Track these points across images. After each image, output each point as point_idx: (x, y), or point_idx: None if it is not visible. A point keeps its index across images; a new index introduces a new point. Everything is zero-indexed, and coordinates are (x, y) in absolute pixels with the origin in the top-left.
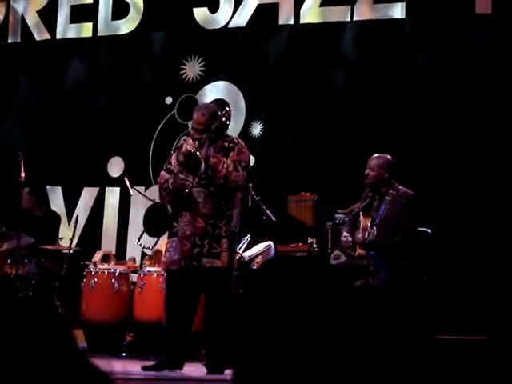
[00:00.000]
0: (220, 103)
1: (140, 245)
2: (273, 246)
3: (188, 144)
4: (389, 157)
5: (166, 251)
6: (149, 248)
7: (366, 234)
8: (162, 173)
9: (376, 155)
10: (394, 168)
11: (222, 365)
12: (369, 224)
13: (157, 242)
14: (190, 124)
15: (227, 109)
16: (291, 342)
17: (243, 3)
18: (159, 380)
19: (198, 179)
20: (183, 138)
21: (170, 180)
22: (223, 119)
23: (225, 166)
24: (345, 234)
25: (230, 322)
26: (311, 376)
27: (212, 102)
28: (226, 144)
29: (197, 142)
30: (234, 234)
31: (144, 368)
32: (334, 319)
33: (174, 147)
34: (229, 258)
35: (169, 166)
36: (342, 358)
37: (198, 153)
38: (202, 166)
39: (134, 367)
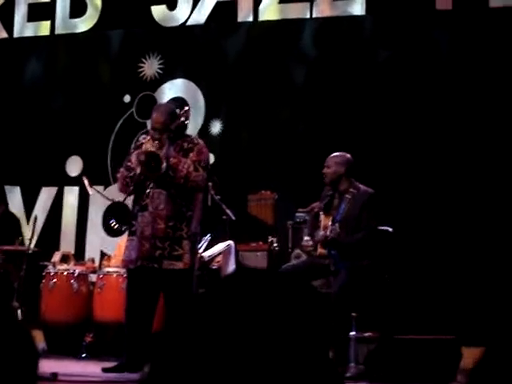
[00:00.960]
0: (179, 102)
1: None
2: (233, 245)
3: (148, 143)
4: (347, 155)
5: (125, 249)
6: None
7: (328, 231)
8: (122, 169)
9: (335, 153)
10: (352, 166)
11: None
12: (329, 223)
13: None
14: (148, 123)
15: (186, 108)
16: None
17: (201, 0)
18: (119, 382)
19: (157, 181)
20: (142, 136)
21: (128, 176)
22: (182, 119)
23: (185, 166)
24: (306, 238)
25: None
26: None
27: (171, 100)
28: (186, 144)
29: (157, 142)
30: (195, 235)
31: (104, 370)
32: (289, 337)
33: (133, 145)
34: (190, 260)
35: (128, 163)
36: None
37: (158, 152)
38: (164, 165)
39: (93, 368)
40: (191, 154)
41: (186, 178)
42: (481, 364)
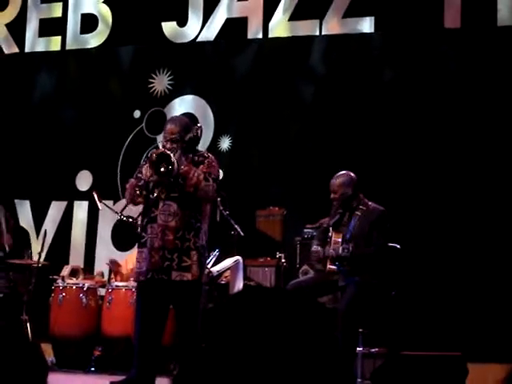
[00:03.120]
0: (191, 117)
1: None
2: (241, 260)
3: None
4: (350, 174)
5: (136, 261)
6: (132, 220)
7: (340, 249)
8: (132, 180)
9: (337, 175)
10: (358, 183)
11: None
12: (340, 239)
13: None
14: (158, 138)
15: (199, 125)
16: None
17: (212, 17)
18: None
19: (167, 192)
20: (153, 150)
21: (138, 184)
22: (195, 133)
23: (196, 174)
24: (315, 246)
25: (200, 336)
26: None
27: (182, 115)
28: (196, 158)
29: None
30: (203, 247)
31: None
32: (294, 353)
33: (144, 159)
34: (198, 271)
35: (139, 175)
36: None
37: (171, 154)
38: (175, 166)
39: (102, 382)
40: (201, 166)
41: (195, 186)
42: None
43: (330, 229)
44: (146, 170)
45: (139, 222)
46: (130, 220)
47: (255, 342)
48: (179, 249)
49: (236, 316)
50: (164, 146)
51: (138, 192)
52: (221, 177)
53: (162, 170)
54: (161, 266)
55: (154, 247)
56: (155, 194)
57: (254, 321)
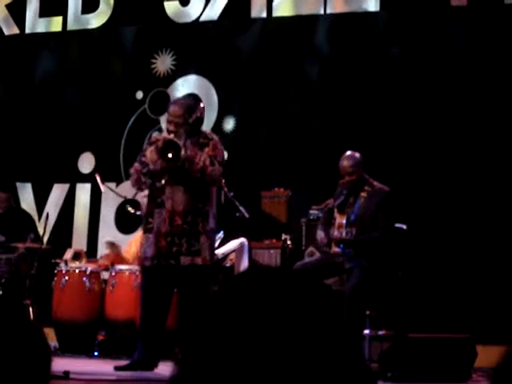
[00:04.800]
0: (194, 98)
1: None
2: (246, 243)
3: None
4: (356, 154)
5: (141, 246)
6: (134, 212)
7: (344, 232)
8: (136, 164)
9: (346, 157)
10: (363, 163)
11: None
12: (344, 221)
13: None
14: (161, 119)
15: (201, 105)
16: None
17: None
18: (133, 381)
19: (174, 174)
20: (155, 133)
21: (143, 170)
22: (199, 114)
23: (201, 159)
24: (319, 232)
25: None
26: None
27: (184, 96)
28: (201, 140)
29: (172, 135)
30: (212, 230)
31: (117, 368)
32: (303, 331)
33: (148, 141)
34: (209, 255)
35: (143, 158)
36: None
37: (177, 140)
38: (183, 152)
39: (106, 367)
40: (207, 149)
41: (202, 171)
42: (503, 363)
43: (335, 210)
44: (150, 154)
45: (144, 206)
46: (132, 211)
47: (260, 323)
48: (188, 233)
49: (240, 295)
50: (168, 129)
51: (143, 180)
52: (226, 157)
53: (170, 156)
54: (169, 251)
55: (161, 232)
56: (163, 181)
57: (260, 300)
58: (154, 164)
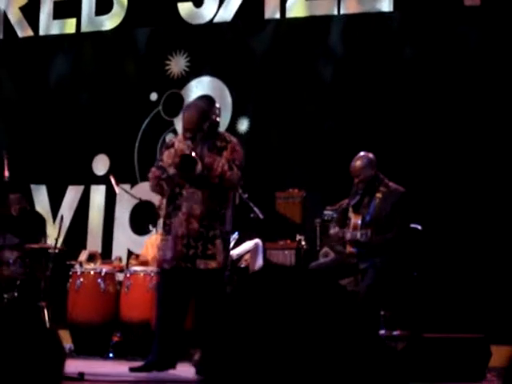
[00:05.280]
0: (208, 100)
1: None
2: (261, 243)
3: (181, 143)
4: (369, 155)
5: (159, 249)
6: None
7: (359, 234)
8: (153, 169)
9: (356, 158)
10: (377, 163)
11: None
12: (359, 222)
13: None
14: (175, 121)
15: (217, 105)
16: (271, 350)
17: None
18: (149, 382)
19: (193, 181)
20: (168, 136)
21: (161, 176)
22: (213, 117)
23: (219, 164)
24: (333, 228)
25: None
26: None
27: (198, 98)
28: (219, 143)
29: (189, 142)
30: (227, 233)
31: (132, 369)
32: (315, 332)
33: (164, 145)
34: (224, 259)
35: (160, 163)
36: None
37: (193, 153)
38: (199, 166)
39: (121, 368)
40: (225, 153)
41: (221, 177)
42: None
43: (350, 209)
44: (166, 157)
45: (163, 208)
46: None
47: (275, 321)
48: (204, 237)
49: (256, 294)
50: (184, 136)
51: (164, 186)
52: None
53: (187, 170)
54: (185, 255)
55: (178, 235)
56: (180, 189)
57: (275, 299)
58: (172, 174)
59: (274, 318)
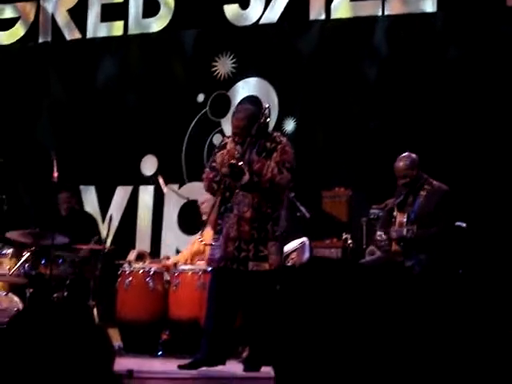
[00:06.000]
0: (255, 101)
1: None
2: (307, 242)
3: (231, 145)
4: (412, 155)
5: (210, 248)
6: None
7: (405, 230)
8: (207, 170)
9: (399, 158)
10: (420, 163)
11: (259, 362)
12: (404, 220)
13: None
14: (222, 121)
15: (266, 106)
16: (327, 340)
17: None
18: (197, 379)
19: (243, 186)
20: (215, 137)
21: (215, 178)
22: (262, 120)
23: (269, 169)
24: (379, 233)
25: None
26: (349, 371)
27: (246, 99)
28: (269, 144)
29: (239, 146)
30: (281, 235)
31: (180, 367)
32: (367, 320)
33: (217, 146)
34: (277, 260)
35: (213, 164)
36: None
37: (240, 163)
38: (246, 176)
39: (169, 366)
40: (275, 155)
41: (271, 181)
42: None
43: (395, 209)
44: (219, 158)
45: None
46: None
47: (324, 313)
48: (255, 239)
49: (304, 286)
50: (233, 139)
51: (215, 187)
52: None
53: (235, 178)
54: (237, 257)
55: (230, 237)
56: (231, 193)
57: (323, 291)
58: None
59: (323, 309)
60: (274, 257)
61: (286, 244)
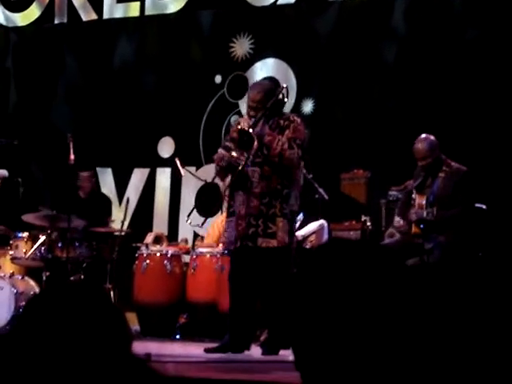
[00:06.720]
0: (272, 80)
1: (190, 223)
2: (326, 224)
3: (244, 121)
4: (431, 137)
5: (224, 231)
6: (198, 225)
7: (424, 213)
8: (220, 150)
9: (419, 140)
10: (441, 144)
11: (277, 345)
12: (424, 202)
13: (205, 220)
14: (240, 103)
15: (284, 85)
16: (346, 323)
17: None
18: (218, 362)
19: (252, 158)
20: (233, 118)
21: (225, 157)
22: (279, 96)
23: (279, 143)
24: (397, 219)
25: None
26: (368, 356)
27: (264, 79)
28: (282, 122)
29: (252, 119)
30: (292, 212)
31: (207, 350)
32: (387, 302)
33: (231, 126)
34: (285, 237)
35: (227, 143)
36: (396, 339)
37: (250, 130)
38: (255, 143)
39: (189, 349)
40: (287, 131)
41: (280, 155)
42: None
43: (414, 191)
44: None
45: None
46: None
47: (343, 296)
48: (264, 215)
49: (323, 267)
50: (248, 114)
51: (222, 166)
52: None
53: (245, 146)
54: (246, 233)
55: (241, 214)
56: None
57: (341, 271)
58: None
59: (343, 291)
60: (281, 234)
61: (294, 223)
